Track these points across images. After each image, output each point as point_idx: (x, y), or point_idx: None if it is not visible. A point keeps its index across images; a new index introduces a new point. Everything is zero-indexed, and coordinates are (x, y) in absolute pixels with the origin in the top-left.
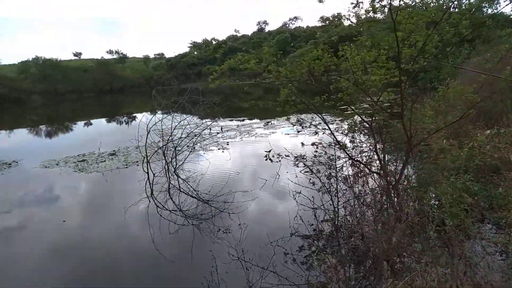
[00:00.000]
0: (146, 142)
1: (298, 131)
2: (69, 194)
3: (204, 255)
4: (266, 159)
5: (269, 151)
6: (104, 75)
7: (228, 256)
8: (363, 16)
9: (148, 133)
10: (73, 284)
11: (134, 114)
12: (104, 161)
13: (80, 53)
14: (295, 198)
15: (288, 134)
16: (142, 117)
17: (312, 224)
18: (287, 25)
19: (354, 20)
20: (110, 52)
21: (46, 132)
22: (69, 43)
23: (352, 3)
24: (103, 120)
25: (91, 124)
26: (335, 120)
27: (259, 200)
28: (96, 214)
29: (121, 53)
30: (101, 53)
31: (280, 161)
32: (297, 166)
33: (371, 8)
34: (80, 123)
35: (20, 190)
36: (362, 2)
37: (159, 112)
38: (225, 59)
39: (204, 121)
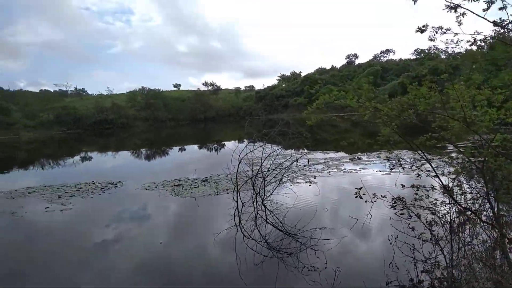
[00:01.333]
0: (237, 171)
1: (391, 169)
2: (164, 215)
3: None
4: (357, 197)
5: (360, 189)
6: (199, 105)
7: None
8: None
9: (239, 163)
10: None
11: (223, 142)
12: (197, 186)
13: (180, 85)
14: (391, 243)
15: (380, 171)
16: (236, 149)
17: (409, 273)
18: (378, 58)
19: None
20: (206, 84)
21: (146, 155)
22: (171, 75)
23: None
24: (196, 147)
25: (184, 149)
26: (433, 159)
27: (349, 240)
28: (188, 236)
29: (215, 85)
30: (198, 85)
31: (373, 201)
32: (394, 208)
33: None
34: (175, 148)
35: (122, 208)
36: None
37: (246, 141)
38: (313, 91)
39: (292, 152)
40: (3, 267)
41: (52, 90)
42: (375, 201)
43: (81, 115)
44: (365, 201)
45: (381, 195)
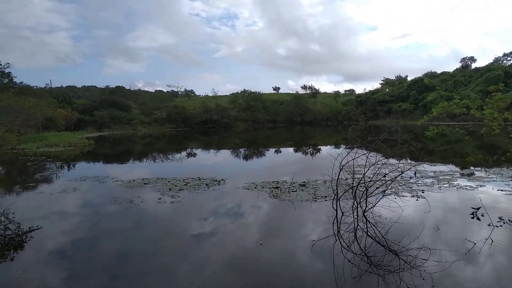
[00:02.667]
0: (337, 179)
1: None
2: (263, 216)
3: None
4: (473, 217)
5: (478, 209)
6: (297, 108)
7: None
8: None
9: (340, 170)
10: None
11: (319, 147)
12: (295, 191)
13: (279, 88)
14: None
15: (502, 190)
16: (337, 156)
17: None
18: (501, 61)
19: None
20: (304, 87)
21: (244, 156)
22: (270, 78)
23: None
24: (291, 149)
25: (280, 151)
26: None
27: (461, 265)
28: (284, 240)
29: (314, 88)
30: (296, 88)
31: (497, 225)
32: None
33: None
34: (272, 150)
35: (224, 205)
36: None
37: (343, 146)
38: (420, 97)
39: (397, 162)
40: (114, 248)
41: (165, 91)
42: (500, 226)
43: (189, 114)
44: (488, 224)
45: (509, 220)
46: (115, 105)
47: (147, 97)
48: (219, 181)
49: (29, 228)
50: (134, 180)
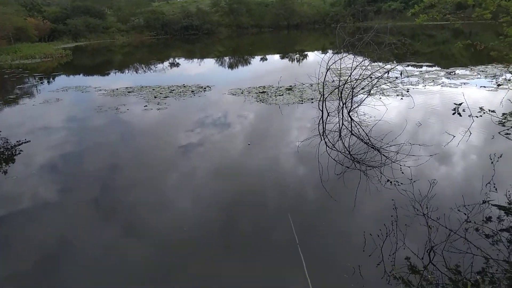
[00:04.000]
0: (324, 79)
1: (499, 85)
2: (249, 120)
3: (368, 201)
4: (454, 113)
5: (460, 104)
6: (283, 11)
7: (403, 210)
8: None
9: (327, 70)
10: (234, 199)
11: (306, 52)
12: (282, 95)
13: None
14: (492, 162)
15: (484, 87)
16: (324, 57)
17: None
18: None
19: None
20: None
21: (229, 64)
22: None
23: None
24: (278, 56)
25: (266, 59)
26: None
27: (441, 157)
28: (272, 142)
29: None
30: None
31: (477, 116)
32: (503, 125)
33: None
34: (258, 57)
35: (211, 111)
36: None
37: (330, 51)
38: None
39: (384, 64)
40: (102, 160)
41: None
42: (478, 116)
43: (168, 20)
44: (468, 116)
45: (489, 110)
46: (89, 12)
47: (122, 2)
48: (204, 88)
49: (17, 142)
50: (117, 89)
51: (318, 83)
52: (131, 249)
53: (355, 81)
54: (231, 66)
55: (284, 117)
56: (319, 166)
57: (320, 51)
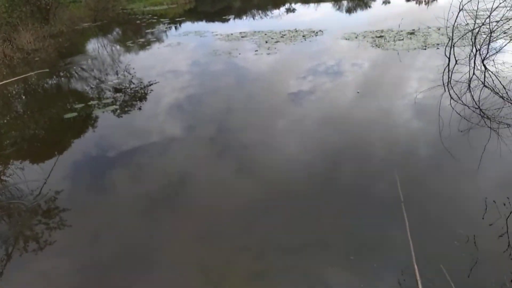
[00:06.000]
0: (455, 22)
1: None
2: (362, 68)
3: (497, 164)
4: None
5: None
6: None
7: None
8: None
9: (460, 10)
10: (340, 149)
11: None
12: (402, 39)
13: None
14: None
15: None
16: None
17: None
18: None
19: None
20: None
21: (347, 8)
22: None
23: None
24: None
25: (389, 2)
26: None
27: None
28: (386, 91)
29: None
30: None
31: None
32: None
33: None
34: (379, 1)
35: (321, 55)
36: None
37: None
38: None
39: None
40: (218, 103)
41: None
42: None
43: None
44: None
45: None
46: None
47: None
48: (316, 32)
49: (149, 82)
50: (232, 34)
51: (447, 26)
52: (240, 182)
53: (495, 23)
54: (348, 10)
55: (403, 65)
56: (440, 121)
57: None
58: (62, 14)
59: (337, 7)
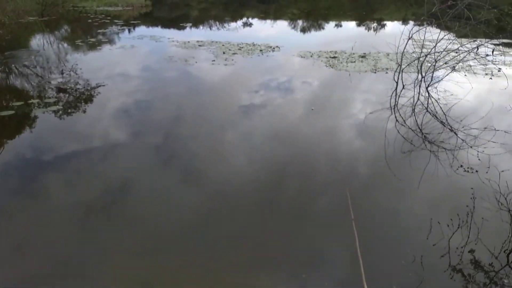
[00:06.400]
0: (404, 48)
1: None
2: (315, 86)
3: (437, 186)
4: None
5: None
6: None
7: (481, 201)
8: None
9: (409, 38)
10: (289, 164)
11: (385, 22)
12: (354, 61)
13: None
14: None
15: None
16: (405, 27)
17: None
18: None
19: None
20: None
21: (302, 27)
22: None
23: None
24: (353, 24)
25: (341, 25)
26: None
27: None
28: (337, 110)
29: None
30: None
31: None
32: None
33: None
34: (332, 23)
35: (276, 71)
36: None
37: (412, 23)
38: None
39: (472, 40)
40: (168, 109)
41: None
42: None
43: None
44: None
45: None
46: None
47: None
48: (273, 48)
49: (96, 84)
50: (189, 42)
51: (397, 53)
52: (184, 193)
53: (439, 54)
54: (303, 30)
55: (354, 86)
56: (385, 141)
57: (401, 22)
58: (5, 5)
59: (292, 25)
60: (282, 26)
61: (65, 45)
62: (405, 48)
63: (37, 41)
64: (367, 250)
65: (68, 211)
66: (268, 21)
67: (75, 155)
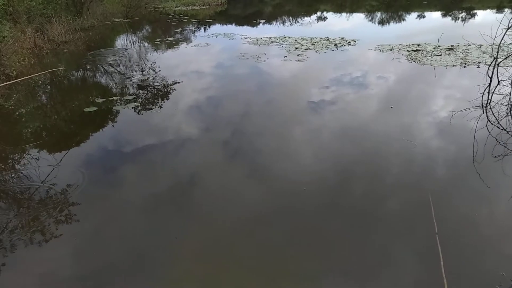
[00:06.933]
0: (502, 39)
1: None
2: (397, 82)
3: None
4: None
5: None
6: None
7: None
8: None
9: (508, 28)
10: (363, 167)
11: (475, 11)
12: (440, 55)
13: None
14: None
15: None
16: (502, 14)
17: None
18: None
19: None
20: None
21: (380, 20)
22: None
23: None
24: (438, 14)
25: (424, 16)
26: None
27: None
28: (420, 108)
29: None
30: None
31: None
32: None
33: None
34: (414, 14)
35: (352, 66)
36: None
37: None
38: None
39: None
40: (238, 105)
41: None
42: None
43: None
44: None
45: None
46: None
47: None
48: (349, 42)
49: (173, 81)
50: (261, 38)
51: (492, 44)
52: (248, 190)
53: None
54: (382, 22)
55: (439, 81)
56: (474, 144)
57: (495, 10)
58: (96, 9)
59: (370, 18)
60: (358, 19)
61: (145, 44)
62: (502, 39)
63: (121, 41)
64: (455, 273)
65: (141, 200)
66: (344, 14)
67: (150, 148)
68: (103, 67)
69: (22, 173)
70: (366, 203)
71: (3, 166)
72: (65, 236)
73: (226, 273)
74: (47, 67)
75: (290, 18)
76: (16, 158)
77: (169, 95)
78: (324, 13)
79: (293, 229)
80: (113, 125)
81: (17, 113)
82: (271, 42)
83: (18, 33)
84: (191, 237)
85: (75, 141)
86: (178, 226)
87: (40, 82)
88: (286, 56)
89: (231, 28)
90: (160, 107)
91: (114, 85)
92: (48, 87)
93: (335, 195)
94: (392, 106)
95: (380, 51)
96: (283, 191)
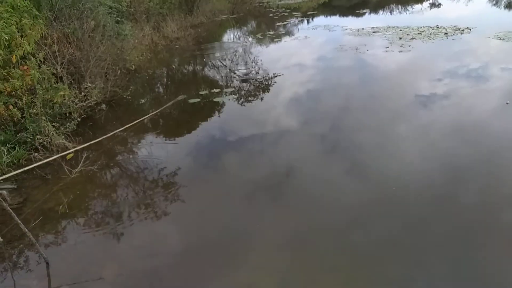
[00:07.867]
0: None
1: None
2: None
3: None
4: None
5: None
6: None
7: None
8: None
9: None
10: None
11: None
12: None
13: None
14: None
15: None
16: None
17: None
18: None
19: None
20: None
21: (506, 3)
22: None
23: None
24: None
25: None
26: None
27: None
28: None
29: None
30: None
31: None
32: None
33: None
34: None
35: (460, 58)
36: None
37: None
38: None
39: None
40: (337, 100)
41: None
42: None
43: None
44: None
45: None
46: None
47: None
48: (462, 30)
49: (274, 74)
50: (363, 29)
51: None
52: (345, 186)
53: None
54: (509, 6)
55: None
56: None
57: None
58: (205, 7)
59: (494, 2)
60: (478, 4)
61: (249, 38)
62: None
63: (227, 36)
64: None
65: (241, 187)
66: (462, 0)
67: (250, 139)
68: (210, 61)
69: (140, 158)
70: (478, 212)
71: (123, 149)
72: (173, 213)
73: (304, 267)
74: (162, 61)
75: (399, 6)
76: (135, 142)
77: (271, 87)
78: None
79: (388, 234)
80: (215, 116)
81: (135, 102)
82: (373, 32)
83: (136, 31)
84: (281, 226)
85: (184, 130)
86: (270, 214)
87: (156, 74)
88: (388, 47)
89: (333, 20)
90: (262, 99)
91: (220, 78)
92: (164, 79)
93: (442, 200)
94: (508, 102)
95: (501, 39)
96: (382, 192)
